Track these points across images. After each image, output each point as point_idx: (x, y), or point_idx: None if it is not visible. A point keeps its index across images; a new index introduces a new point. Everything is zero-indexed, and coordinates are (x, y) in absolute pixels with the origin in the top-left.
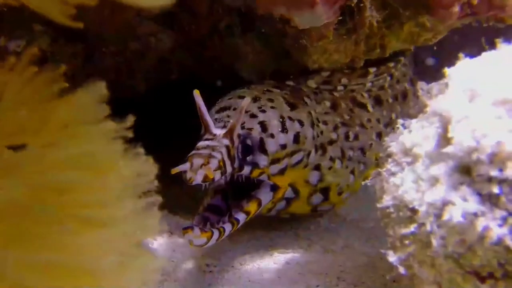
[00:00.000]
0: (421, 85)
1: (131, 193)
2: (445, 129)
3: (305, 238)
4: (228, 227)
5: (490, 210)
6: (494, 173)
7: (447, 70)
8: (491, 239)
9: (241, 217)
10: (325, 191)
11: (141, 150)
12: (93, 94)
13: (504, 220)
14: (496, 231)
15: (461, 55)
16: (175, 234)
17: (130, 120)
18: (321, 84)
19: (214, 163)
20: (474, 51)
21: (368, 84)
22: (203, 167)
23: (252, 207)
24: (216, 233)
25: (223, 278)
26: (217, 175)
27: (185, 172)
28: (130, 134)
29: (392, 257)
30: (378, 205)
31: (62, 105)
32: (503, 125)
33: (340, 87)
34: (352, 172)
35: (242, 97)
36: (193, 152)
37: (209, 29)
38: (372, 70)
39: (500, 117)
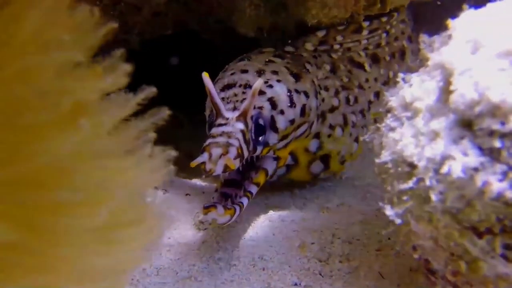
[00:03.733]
0: (423, 37)
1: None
2: (447, 82)
3: (300, 197)
4: (245, 201)
5: (491, 165)
6: (496, 126)
7: (450, 22)
8: (491, 193)
9: (253, 189)
10: (325, 159)
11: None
12: None
13: (505, 174)
14: (496, 185)
15: (465, 6)
16: (169, 192)
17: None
18: (318, 45)
19: (233, 152)
20: (480, 2)
21: (364, 41)
22: (223, 157)
23: (260, 177)
24: (237, 209)
25: (217, 236)
26: (237, 163)
27: (203, 163)
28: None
29: (389, 212)
30: (377, 160)
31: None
32: (506, 78)
33: (336, 46)
34: (356, 140)
35: (245, 71)
36: (210, 141)
37: None
38: (365, 24)
39: (503, 69)
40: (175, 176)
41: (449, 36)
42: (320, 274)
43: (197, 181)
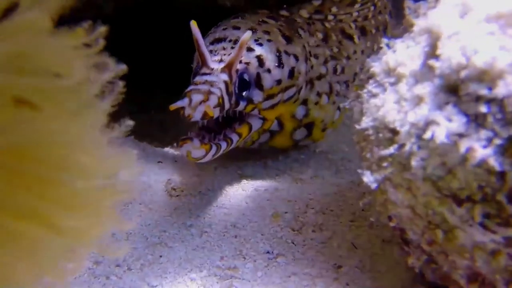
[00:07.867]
0: (408, 3)
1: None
2: (433, 47)
3: (273, 168)
4: (223, 144)
5: (475, 131)
6: (482, 91)
7: None
8: (473, 160)
9: (234, 137)
10: (309, 127)
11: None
12: None
13: (489, 141)
14: (480, 152)
15: None
16: (141, 159)
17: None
18: (313, 13)
19: (213, 100)
20: None
21: (355, 14)
22: (202, 103)
23: (243, 129)
24: (214, 148)
25: (190, 203)
26: (216, 112)
27: (183, 108)
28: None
29: (367, 178)
30: (356, 127)
31: None
32: (495, 42)
33: (330, 17)
34: (339, 108)
35: (237, 28)
36: (191, 87)
37: None
38: None
39: (492, 33)
40: (147, 145)
41: (436, 0)
42: (293, 243)
43: (169, 150)
